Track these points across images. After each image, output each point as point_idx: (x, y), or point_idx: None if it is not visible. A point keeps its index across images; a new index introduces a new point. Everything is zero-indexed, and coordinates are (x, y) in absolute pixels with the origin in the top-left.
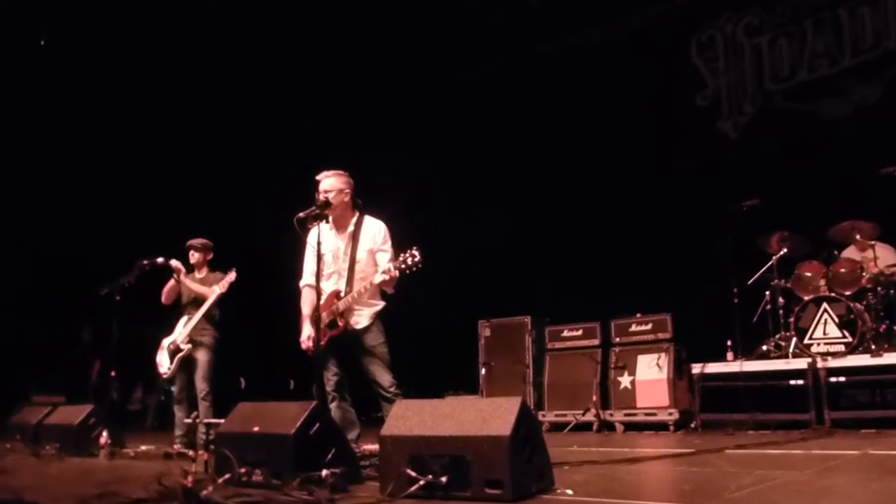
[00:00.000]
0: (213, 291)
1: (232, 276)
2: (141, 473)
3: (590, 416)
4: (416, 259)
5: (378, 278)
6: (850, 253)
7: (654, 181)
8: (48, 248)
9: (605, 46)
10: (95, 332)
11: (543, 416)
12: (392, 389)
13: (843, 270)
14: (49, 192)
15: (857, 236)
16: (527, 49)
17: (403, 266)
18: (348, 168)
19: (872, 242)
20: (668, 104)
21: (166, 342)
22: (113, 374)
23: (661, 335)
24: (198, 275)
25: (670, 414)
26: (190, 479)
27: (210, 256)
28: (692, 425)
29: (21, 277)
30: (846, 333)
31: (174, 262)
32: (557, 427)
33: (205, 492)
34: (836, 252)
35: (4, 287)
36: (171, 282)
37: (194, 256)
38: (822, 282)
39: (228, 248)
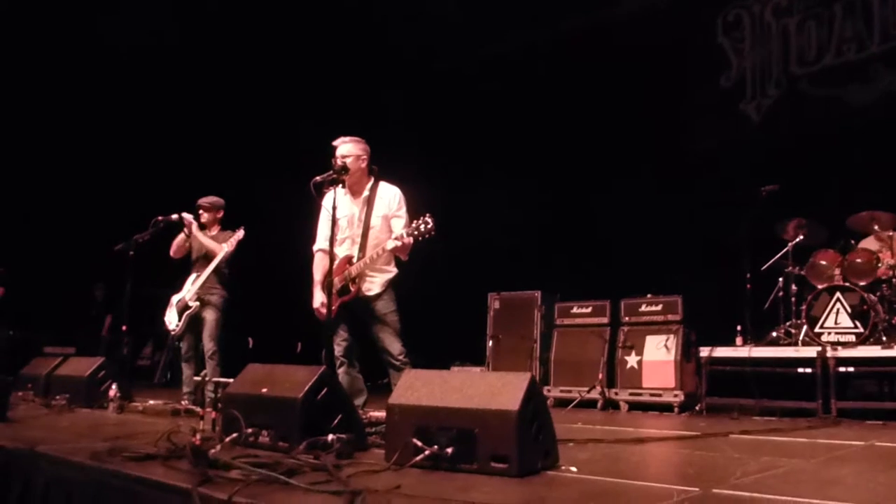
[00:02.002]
0: (222, 249)
1: (240, 234)
2: (149, 428)
3: (595, 394)
4: (429, 226)
5: (390, 244)
6: (868, 243)
7: (672, 161)
8: (63, 204)
9: (630, 23)
10: (108, 288)
11: (549, 391)
12: (401, 358)
13: (858, 260)
14: (64, 148)
15: (876, 226)
16: (549, 26)
17: (416, 233)
18: (362, 135)
19: (890, 233)
20: (691, 84)
21: (175, 299)
22: (124, 328)
23: (670, 317)
24: (209, 233)
25: (675, 396)
26: (198, 437)
27: (221, 215)
28: (697, 408)
29: (36, 233)
30: (858, 324)
31: (186, 216)
32: (562, 403)
33: (213, 451)
34: (853, 241)
35: (20, 243)
36: (181, 235)
37: (204, 216)
38: (837, 271)
39: (241, 208)
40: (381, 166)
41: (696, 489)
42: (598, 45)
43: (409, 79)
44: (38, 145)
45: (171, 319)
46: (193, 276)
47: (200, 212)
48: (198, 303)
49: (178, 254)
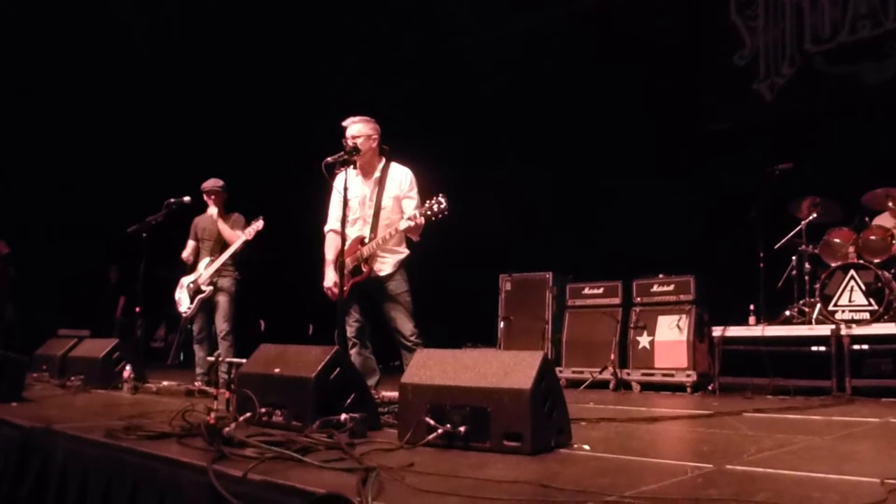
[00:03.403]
0: (239, 238)
1: (259, 224)
2: (164, 408)
3: (607, 375)
4: (443, 206)
5: (403, 225)
6: (882, 220)
7: (685, 141)
8: (77, 187)
9: (643, 2)
10: (122, 270)
11: (561, 372)
12: (413, 338)
13: (873, 238)
14: (77, 131)
15: (891, 203)
16: (561, 5)
17: (429, 213)
18: (374, 116)
19: None
20: (704, 63)
21: (186, 280)
22: (138, 310)
23: (683, 297)
24: (216, 217)
25: (688, 375)
26: (213, 416)
27: (226, 196)
28: (709, 388)
29: (50, 216)
30: (872, 302)
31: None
32: (574, 384)
33: (227, 429)
34: (867, 219)
35: (34, 225)
36: (188, 250)
37: (214, 201)
38: (852, 248)
39: (252, 191)
40: (391, 150)
41: (710, 465)
42: (610, 24)
43: (414, 68)
44: (51, 129)
45: (183, 301)
46: (207, 259)
47: (212, 197)
48: (211, 287)
49: (189, 260)
